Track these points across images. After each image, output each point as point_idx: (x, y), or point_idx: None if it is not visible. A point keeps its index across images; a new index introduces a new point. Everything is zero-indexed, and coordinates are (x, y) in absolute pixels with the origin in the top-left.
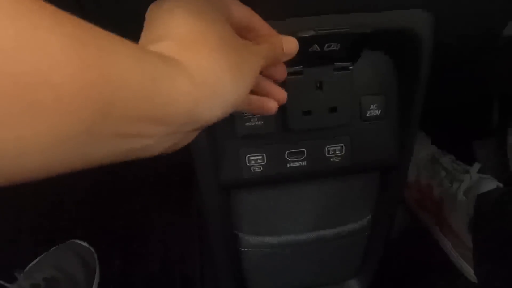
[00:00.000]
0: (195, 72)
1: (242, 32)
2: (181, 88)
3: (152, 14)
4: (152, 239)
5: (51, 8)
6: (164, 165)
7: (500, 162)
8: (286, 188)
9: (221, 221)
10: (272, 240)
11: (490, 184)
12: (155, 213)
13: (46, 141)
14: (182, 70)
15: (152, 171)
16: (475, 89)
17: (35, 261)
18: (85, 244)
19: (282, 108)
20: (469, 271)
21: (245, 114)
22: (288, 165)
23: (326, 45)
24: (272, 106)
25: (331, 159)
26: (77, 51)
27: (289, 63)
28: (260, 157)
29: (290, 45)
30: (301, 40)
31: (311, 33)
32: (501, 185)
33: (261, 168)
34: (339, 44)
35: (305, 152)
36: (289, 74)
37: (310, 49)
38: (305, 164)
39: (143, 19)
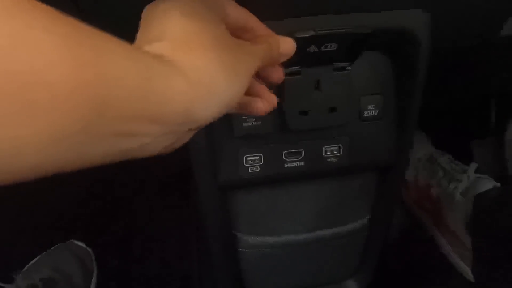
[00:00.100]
0: (190, 72)
1: (239, 33)
2: (176, 87)
3: (147, 15)
4: (150, 239)
5: (46, 8)
6: (162, 166)
7: (498, 162)
8: (284, 188)
9: (219, 221)
10: (270, 240)
11: (488, 184)
12: (153, 213)
13: (41, 141)
14: (177, 70)
15: (150, 171)
16: (473, 89)
17: (32, 262)
18: (82, 244)
19: (280, 109)
20: (467, 271)
21: (242, 115)
22: (285, 166)
23: (323, 46)
24: (260, 106)
25: (329, 160)
26: (72, 50)
27: (287, 63)
28: (257, 157)
29: (287, 45)
30: (298, 41)
31: (309, 33)
32: (498, 185)
33: (259, 168)
34: (336, 45)
35: (303, 152)
36: (287, 74)
37: (307, 50)
38: (303, 164)
39: (139, 19)
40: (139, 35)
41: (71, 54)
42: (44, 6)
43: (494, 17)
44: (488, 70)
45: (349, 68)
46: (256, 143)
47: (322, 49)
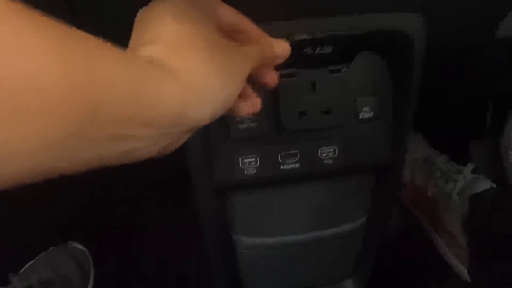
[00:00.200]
0: (183, 75)
1: (233, 35)
2: (169, 90)
3: (141, 18)
4: (148, 240)
5: (37, 14)
6: (160, 167)
7: (494, 162)
8: (280, 189)
9: (216, 223)
10: (267, 241)
11: (484, 184)
12: (151, 214)
13: (33, 145)
14: (170, 73)
15: (147, 172)
16: (469, 90)
17: (30, 263)
18: (80, 246)
19: (276, 110)
20: (464, 271)
21: (238, 117)
22: (281, 167)
23: (319, 48)
24: (245, 109)
25: (325, 161)
26: (63, 56)
27: (283, 65)
28: (253, 159)
29: (282, 48)
30: (294, 43)
31: (304, 36)
32: (494, 185)
33: (255, 170)
34: (331, 47)
35: (299, 154)
36: (283, 76)
37: (303, 52)
38: (299, 166)
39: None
40: (132, 38)
41: (62, 59)
42: (34, 12)
43: (488, 19)
44: (484, 71)
45: (344, 70)
46: (252, 145)
47: (318, 51)
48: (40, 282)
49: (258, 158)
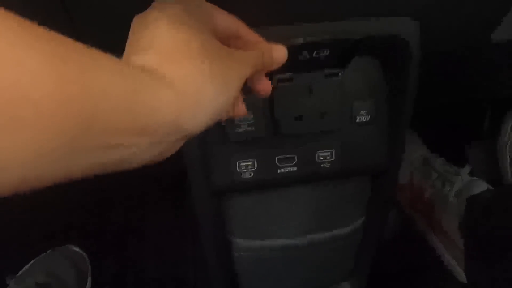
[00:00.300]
0: (177, 83)
1: (230, 41)
2: (163, 98)
3: (136, 25)
4: (145, 243)
5: (31, 25)
6: (157, 170)
7: (491, 164)
8: (278, 192)
9: (213, 226)
10: (264, 244)
11: (481, 186)
12: (148, 217)
13: (27, 155)
14: (164, 81)
15: (145, 175)
16: (466, 93)
17: (27, 267)
18: (77, 249)
19: (272, 114)
20: (461, 272)
21: (236, 120)
22: (278, 171)
23: (315, 52)
24: (230, 116)
25: (322, 165)
26: (57, 67)
27: (279, 69)
28: (250, 162)
29: (279, 52)
30: (290, 48)
31: (301, 40)
32: (491, 187)
33: (252, 173)
34: (328, 51)
35: (296, 157)
36: (279, 80)
37: (300, 56)
38: (296, 169)
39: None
40: (128, 45)
41: (55, 70)
42: (28, 22)
43: (483, 24)
44: (480, 74)
45: (341, 73)
46: (249, 149)
47: (314, 55)
48: (38, 285)
49: (255, 162)
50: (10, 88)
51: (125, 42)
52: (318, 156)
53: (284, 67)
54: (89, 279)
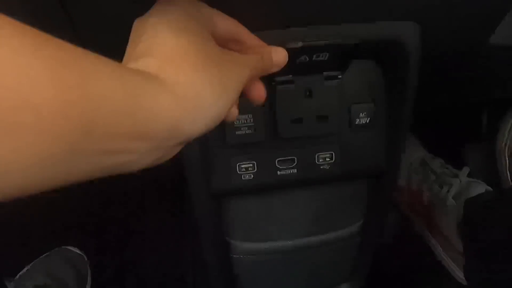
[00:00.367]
0: (176, 88)
1: (230, 44)
2: (163, 104)
3: (136, 30)
4: (145, 245)
5: (32, 31)
6: (156, 172)
7: (489, 166)
8: (277, 194)
9: (213, 228)
10: (264, 246)
11: (479, 188)
12: (148, 219)
13: (28, 160)
14: (164, 86)
15: (144, 177)
16: (464, 96)
17: (26, 268)
18: (76, 250)
19: (272, 117)
20: (459, 274)
21: (235, 123)
22: (278, 173)
23: (315, 55)
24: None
25: (321, 167)
26: (57, 73)
27: (279, 73)
28: (250, 165)
29: (279, 56)
30: (290, 51)
31: (300, 44)
32: (490, 189)
33: (252, 176)
34: (327, 54)
35: (296, 160)
36: (279, 83)
37: (299, 59)
38: (295, 172)
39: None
40: (128, 50)
41: (57, 76)
42: (29, 29)
43: (482, 26)
44: (478, 76)
45: (340, 76)
46: (249, 151)
47: (314, 58)
48: (36, 287)
49: (255, 164)
50: (11, 94)
51: (126, 44)
52: (318, 158)
53: (284, 70)
54: (89, 281)
